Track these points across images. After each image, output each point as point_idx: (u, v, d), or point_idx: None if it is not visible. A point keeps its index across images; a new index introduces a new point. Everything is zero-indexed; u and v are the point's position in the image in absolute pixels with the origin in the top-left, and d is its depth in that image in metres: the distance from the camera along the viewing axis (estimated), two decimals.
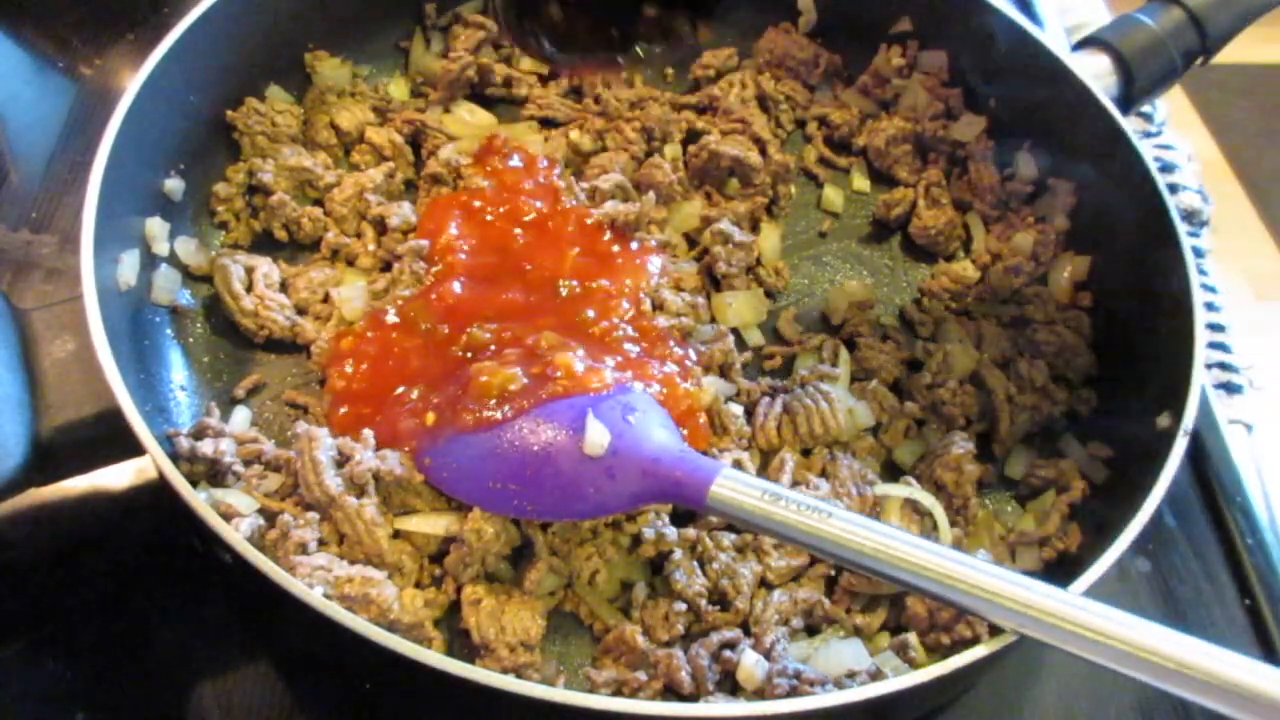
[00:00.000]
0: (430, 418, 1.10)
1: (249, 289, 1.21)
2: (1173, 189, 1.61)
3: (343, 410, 1.14)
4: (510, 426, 1.05)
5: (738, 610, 1.06)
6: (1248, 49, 1.47)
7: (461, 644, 1.03)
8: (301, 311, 1.23)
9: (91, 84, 1.53)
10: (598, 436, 1.00)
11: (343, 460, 1.05)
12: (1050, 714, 1.12)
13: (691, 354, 1.23)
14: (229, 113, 1.32)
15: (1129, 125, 1.28)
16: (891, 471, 1.22)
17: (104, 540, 1.12)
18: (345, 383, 1.16)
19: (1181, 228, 1.19)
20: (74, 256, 1.01)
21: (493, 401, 1.07)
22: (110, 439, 0.97)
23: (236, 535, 0.90)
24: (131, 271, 1.12)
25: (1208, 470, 1.31)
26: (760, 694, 0.98)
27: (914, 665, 1.01)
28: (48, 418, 0.98)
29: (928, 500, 1.12)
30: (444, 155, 1.36)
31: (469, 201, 1.31)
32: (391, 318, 1.21)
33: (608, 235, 1.31)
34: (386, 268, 1.28)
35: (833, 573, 1.11)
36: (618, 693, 1.00)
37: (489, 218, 1.30)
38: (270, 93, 1.37)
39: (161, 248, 1.19)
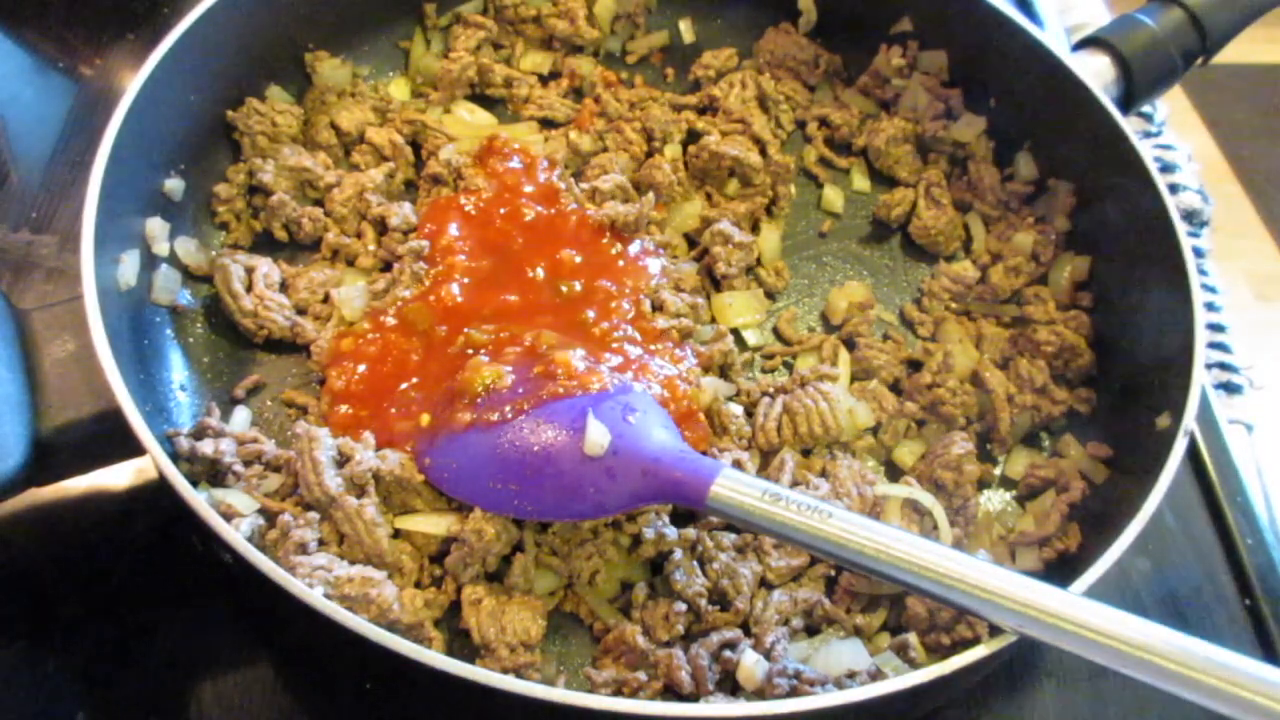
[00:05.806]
0: (425, 419, 1.10)
1: (249, 289, 1.21)
2: (1173, 189, 1.61)
3: (342, 410, 1.14)
4: (511, 426, 1.05)
5: (738, 610, 1.06)
6: (1248, 49, 1.47)
7: (461, 644, 1.03)
8: (301, 311, 1.23)
9: (91, 84, 1.52)
10: (598, 436, 1.00)
11: (343, 460, 1.05)
12: (1050, 714, 1.12)
13: (691, 354, 1.23)
14: (229, 113, 1.32)
15: (1129, 125, 1.28)
16: (891, 471, 1.22)
17: (104, 540, 1.12)
18: (345, 383, 1.16)
19: (1181, 228, 1.19)
20: (74, 256, 1.01)
21: (478, 399, 1.07)
22: (110, 439, 0.97)
23: (236, 535, 0.90)
24: (131, 271, 1.12)
25: (1208, 470, 1.31)
26: (760, 694, 0.98)
27: (914, 665, 1.01)
28: (48, 418, 0.98)
29: (928, 500, 1.12)
30: (444, 155, 1.35)
31: (469, 202, 1.31)
32: (391, 319, 1.21)
33: (608, 236, 1.31)
34: (386, 268, 1.28)
35: (833, 573, 1.12)
36: (618, 693, 1.00)
37: (489, 218, 1.30)
38: (270, 93, 1.37)
39: (161, 248, 1.18)
